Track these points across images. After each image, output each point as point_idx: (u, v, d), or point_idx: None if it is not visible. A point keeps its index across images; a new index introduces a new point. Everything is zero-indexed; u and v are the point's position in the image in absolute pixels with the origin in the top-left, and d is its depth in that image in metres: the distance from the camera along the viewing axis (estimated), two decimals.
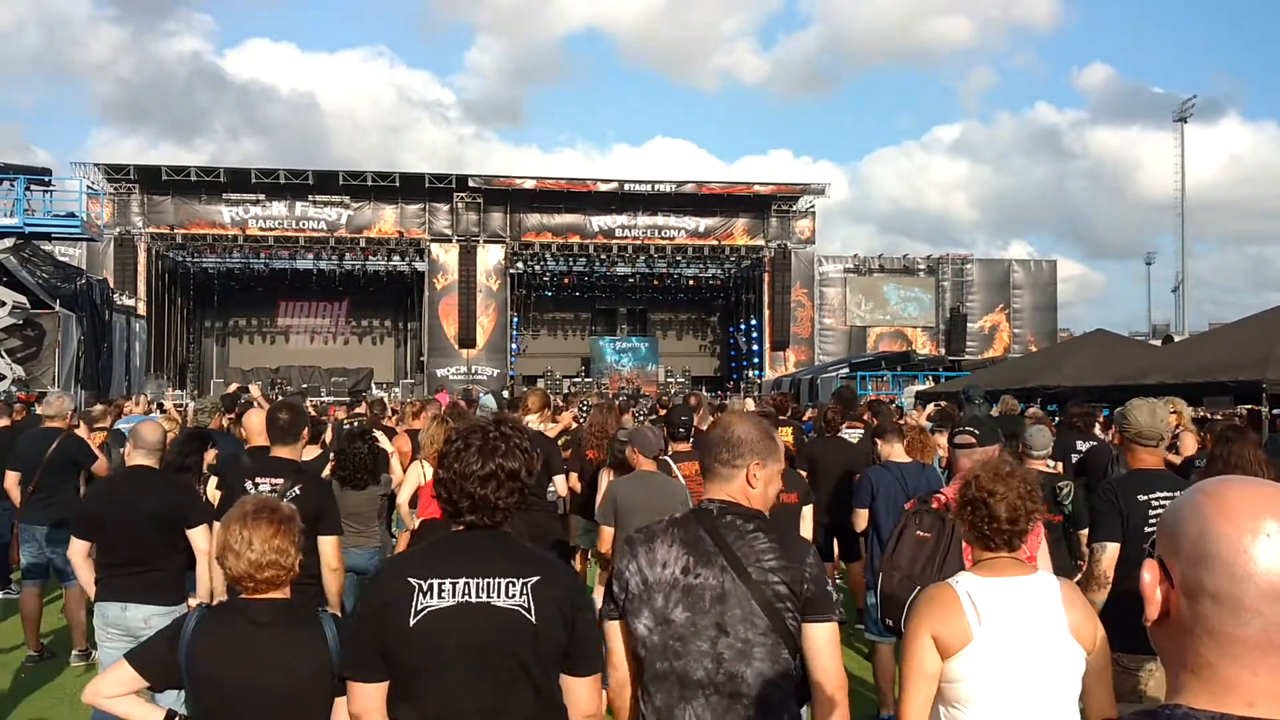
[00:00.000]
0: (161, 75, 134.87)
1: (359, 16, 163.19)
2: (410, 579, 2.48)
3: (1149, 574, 1.19)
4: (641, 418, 14.53)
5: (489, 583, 2.48)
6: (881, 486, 6.16)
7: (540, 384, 34.10)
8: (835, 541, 8.37)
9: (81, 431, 8.68)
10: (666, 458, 6.79)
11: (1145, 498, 4.15)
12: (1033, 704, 2.64)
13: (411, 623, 2.43)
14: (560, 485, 7.46)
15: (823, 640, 2.52)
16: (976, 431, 4.82)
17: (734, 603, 2.50)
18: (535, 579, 2.51)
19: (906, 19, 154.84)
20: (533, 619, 2.47)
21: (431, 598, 2.45)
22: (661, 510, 5.45)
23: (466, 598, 2.46)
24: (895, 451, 6.38)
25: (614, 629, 2.67)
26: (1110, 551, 4.14)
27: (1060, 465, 8.36)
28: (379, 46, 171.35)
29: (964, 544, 3.85)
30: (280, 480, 5.05)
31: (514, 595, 2.48)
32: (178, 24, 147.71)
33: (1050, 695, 2.67)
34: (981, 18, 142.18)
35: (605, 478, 7.06)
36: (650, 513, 5.45)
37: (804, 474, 8.32)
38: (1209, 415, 10.78)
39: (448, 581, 2.47)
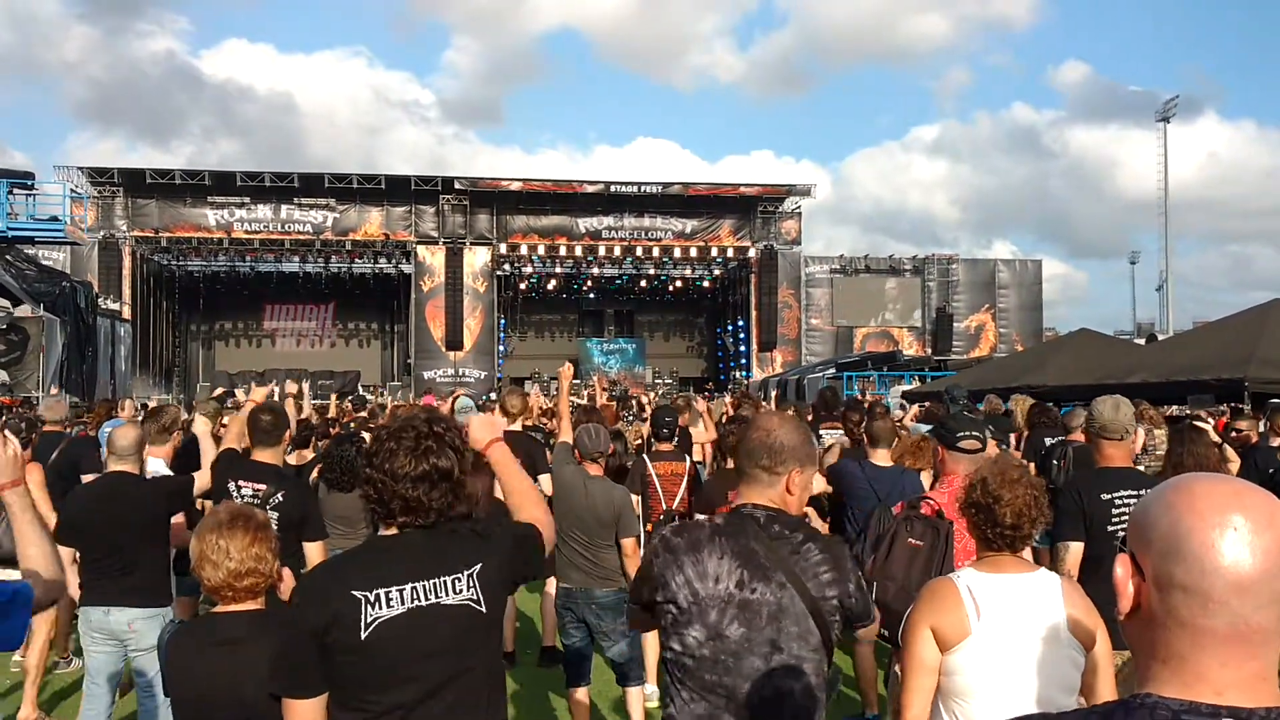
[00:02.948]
0: (138, 77, 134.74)
1: (336, 17, 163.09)
2: (354, 592, 2.37)
3: (1121, 568, 1.23)
4: (630, 419, 14.51)
5: (435, 583, 2.41)
6: (845, 477, 6.15)
7: (529, 386, 34.05)
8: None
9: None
10: (643, 456, 6.80)
11: (1109, 496, 4.16)
12: (1031, 699, 2.65)
13: (363, 636, 2.34)
14: (546, 485, 7.45)
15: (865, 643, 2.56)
16: (980, 435, 4.81)
17: (790, 620, 2.47)
18: (479, 566, 2.46)
19: (882, 18, 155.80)
20: (484, 609, 2.43)
21: (381, 608, 2.36)
22: (585, 514, 5.50)
23: (416, 602, 2.38)
24: (878, 454, 6.37)
25: (645, 623, 2.66)
26: (1074, 550, 4.15)
27: (1033, 466, 8.44)
28: (357, 47, 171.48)
29: (956, 550, 3.87)
30: (263, 485, 5.04)
31: (461, 590, 2.42)
32: (152, 25, 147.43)
33: (1048, 688, 2.69)
34: (957, 15, 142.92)
35: None
36: (575, 514, 5.50)
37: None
38: (1190, 415, 10.83)
39: (394, 589, 2.38)
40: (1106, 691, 2.81)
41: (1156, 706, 1.15)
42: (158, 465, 5.86)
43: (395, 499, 2.43)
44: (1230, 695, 1.13)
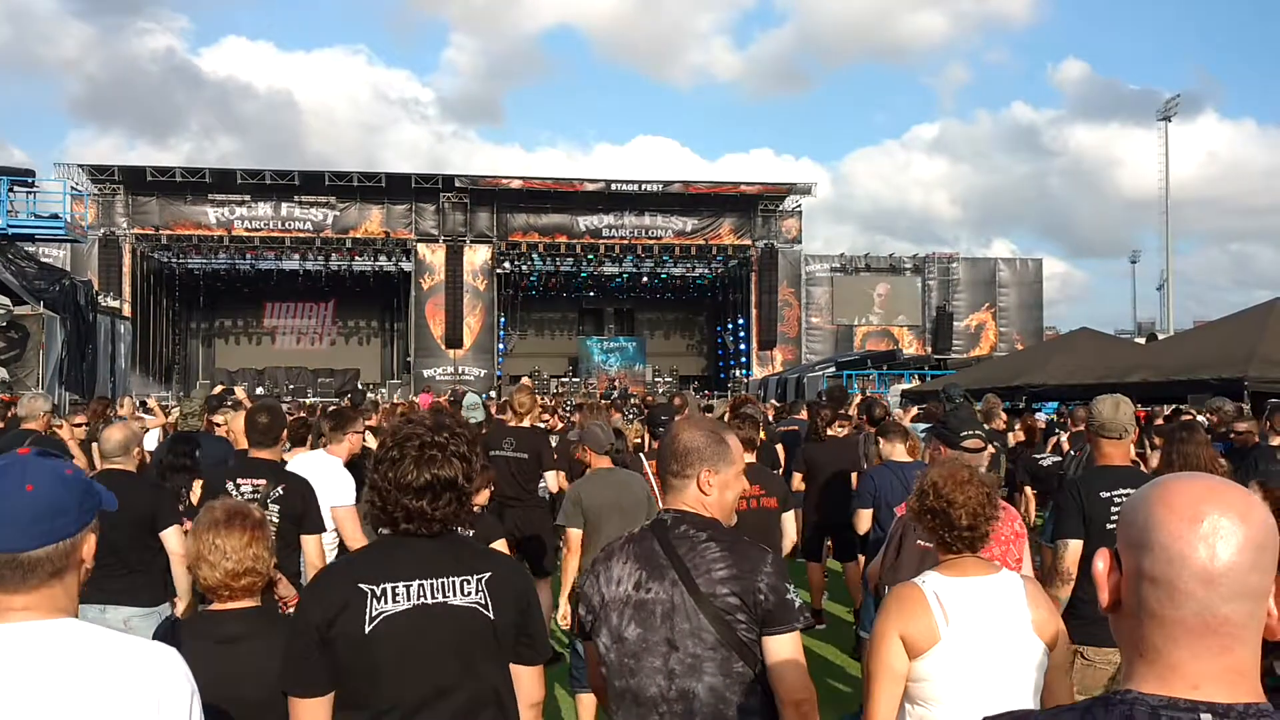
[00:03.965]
0: (137, 74, 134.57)
1: (335, 15, 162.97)
2: (360, 585, 2.37)
3: (1101, 562, 1.25)
4: (630, 417, 14.51)
5: (443, 582, 2.41)
6: (883, 487, 6.13)
7: (525, 380, 34.01)
8: (829, 542, 8.36)
9: (64, 432, 8.64)
10: (641, 455, 6.79)
11: (1108, 495, 4.16)
12: (996, 700, 2.64)
13: (367, 630, 2.34)
14: (551, 481, 7.45)
15: (783, 652, 2.46)
16: (982, 434, 4.79)
17: (682, 617, 2.46)
18: (488, 574, 2.45)
19: (880, 15, 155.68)
20: (491, 615, 2.41)
21: (386, 602, 2.36)
22: (628, 506, 5.47)
23: (423, 599, 2.38)
24: (897, 451, 6.34)
25: (586, 648, 2.66)
26: (1073, 548, 4.15)
27: (1030, 492, 8.49)
28: (356, 45, 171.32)
29: None
30: (262, 481, 5.03)
31: (469, 593, 2.42)
32: (151, 22, 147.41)
33: (1013, 691, 2.70)
34: (955, 12, 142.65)
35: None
36: (618, 510, 5.44)
37: (799, 475, 8.31)
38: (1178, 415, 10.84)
39: (401, 584, 2.38)
40: (1064, 689, 2.84)
41: (1135, 703, 1.16)
42: (334, 463, 5.73)
43: (398, 508, 2.43)
44: (1206, 690, 1.14)
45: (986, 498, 2.90)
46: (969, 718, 2.63)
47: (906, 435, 6.54)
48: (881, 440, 6.58)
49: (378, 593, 2.36)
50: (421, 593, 2.38)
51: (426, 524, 2.43)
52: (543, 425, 11.06)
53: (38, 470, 1.76)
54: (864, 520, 6.22)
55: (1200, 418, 9.26)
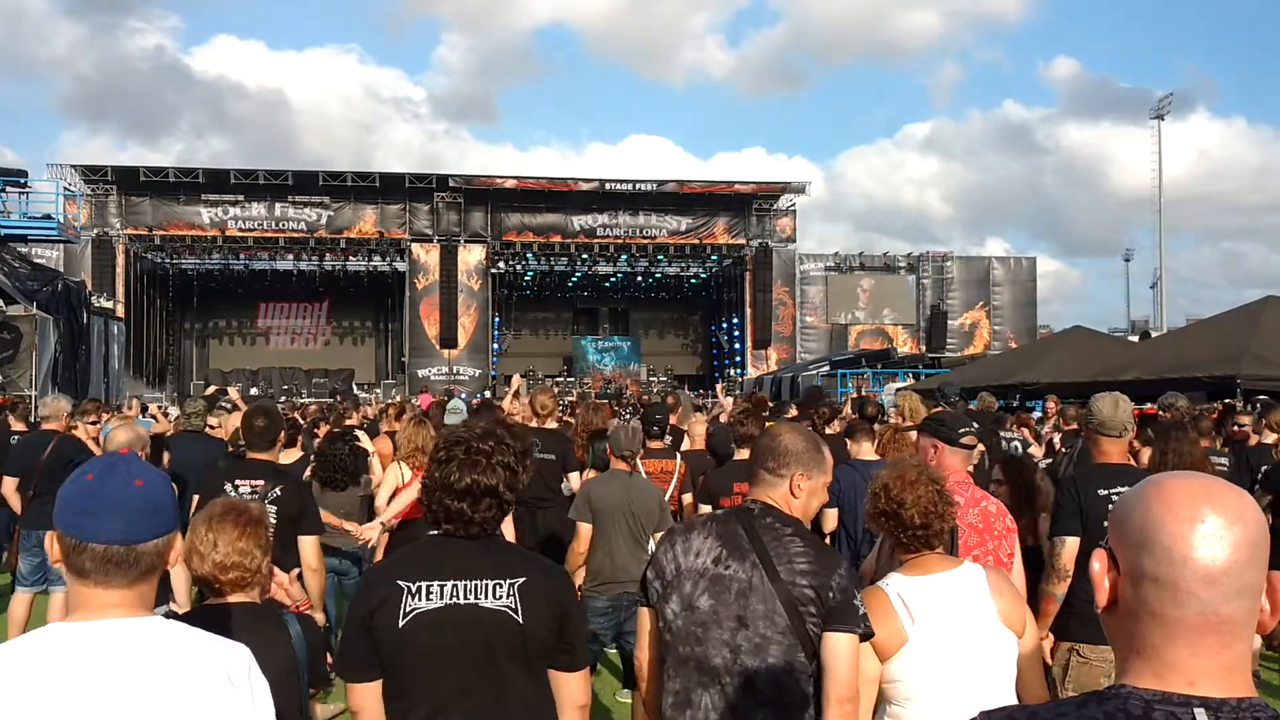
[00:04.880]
0: (128, 74, 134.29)
1: (326, 13, 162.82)
2: (399, 581, 2.51)
3: (1098, 562, 1.26)
4: (627, 416, 14.51)
5: (476, 584, 2.51)
6: (846, 487, 6.16)
7: (516, 379, 33.94)
8: None
9: (80, 432, 8.64)
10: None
11: (1105, 492, 4.18)
12: (971, 693, 2.68)
13: (400, 624, 2.47)
14: (575, 482, 7.46)
15: (841, 650, 2.53)
16: (977, 427, 4.80)
17: (758, 598, 2.56)
18: (522, 580, 2.54)
19: (873, 14, 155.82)
20: (520, 619, 2.50)
21: (420, 599, 2.48)
22: (637, 509, 5.49)
23: (455, 599, 2.49)
24: (863, 450, 6.39)
25: (642, 615, 2.75)
26: (1070, 545, 4.17)
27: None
28: (349, 44, 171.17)
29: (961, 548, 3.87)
30: (260, 482, 5.04)
31: (500, 596, 2.51)
32: (141, 21, 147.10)
33: (987, 683, 2.73)
34: (947, 11, 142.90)
35: (588, 477, 7.05)
36: (626, 512, 5.45)
37: None
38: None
39: (435, 583, 2.50)
40: (1035, 677, 2.89)
41: (1130, 696, 1.17)
42: None
43: (440, 507, 2.57)
44: (1202, 685, 1.16)
45: (937, 494, 2.92)
46: (945, 713, 2.67)
47: (872, 434, 6.56)
48: (848, 440, 6.60)
49: (413, 590, 2.49)
50: (455, 592, 2.50)
51: (465, 526, 2.56)
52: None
53: (142, 468, 1.82)
54: (829, 520, 6.24)
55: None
